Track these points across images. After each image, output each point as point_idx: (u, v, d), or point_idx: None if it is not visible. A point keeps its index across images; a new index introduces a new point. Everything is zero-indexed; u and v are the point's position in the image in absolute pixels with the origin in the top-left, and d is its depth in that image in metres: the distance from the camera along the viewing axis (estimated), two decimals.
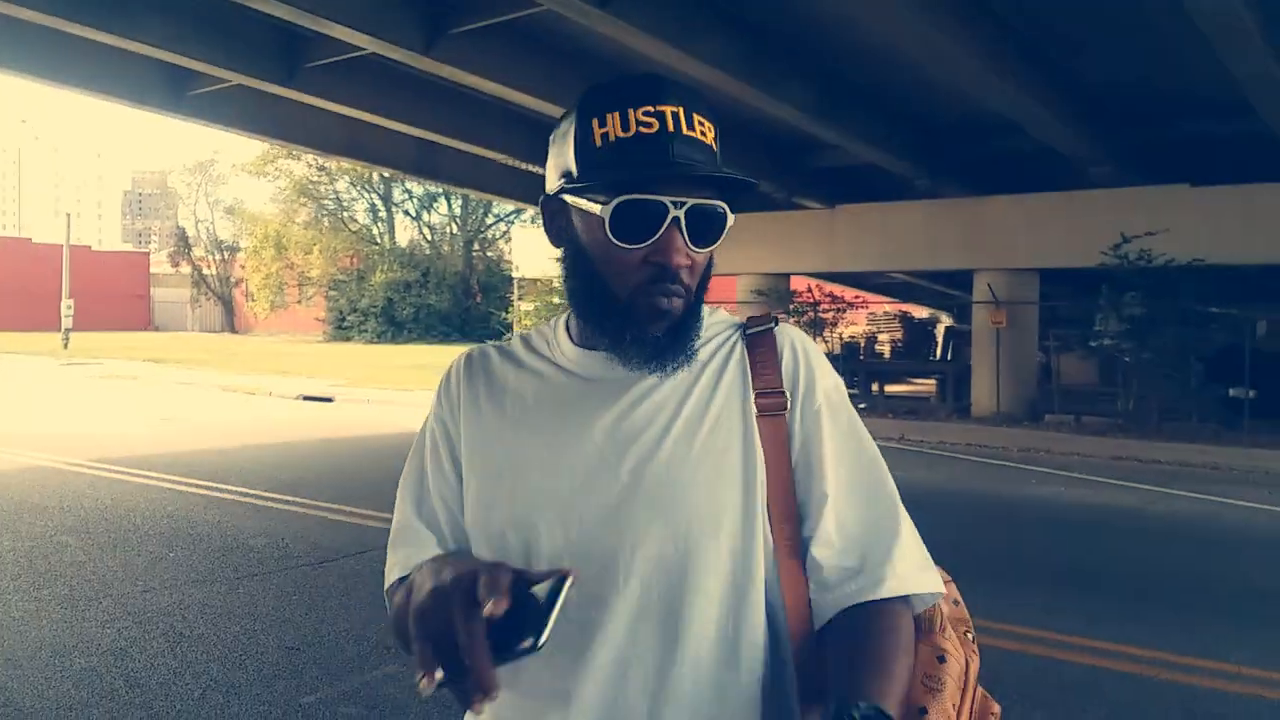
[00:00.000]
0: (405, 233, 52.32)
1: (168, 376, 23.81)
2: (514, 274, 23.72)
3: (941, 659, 1.08)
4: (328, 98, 13.54)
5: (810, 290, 20.54)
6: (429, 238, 50.80)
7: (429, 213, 50.96)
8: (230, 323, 60.89)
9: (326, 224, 48.66)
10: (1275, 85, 11.42)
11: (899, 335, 27.23)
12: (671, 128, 1.04)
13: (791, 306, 19.89)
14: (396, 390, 20.38)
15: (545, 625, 0.81)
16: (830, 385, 1.15)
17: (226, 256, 62.24)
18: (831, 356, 20.70)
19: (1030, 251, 17.12)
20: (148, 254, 71.13)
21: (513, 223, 49.34)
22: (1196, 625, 5.45)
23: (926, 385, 24.08)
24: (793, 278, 20.75)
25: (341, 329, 46.89)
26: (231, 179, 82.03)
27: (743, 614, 1.07)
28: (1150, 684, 4.54)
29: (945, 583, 1.17)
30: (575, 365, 1.14)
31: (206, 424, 14.52)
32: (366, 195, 50.16)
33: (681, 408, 1.10)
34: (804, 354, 1.16)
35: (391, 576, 1.14)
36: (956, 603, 1.19)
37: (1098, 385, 18.77)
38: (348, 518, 7.74)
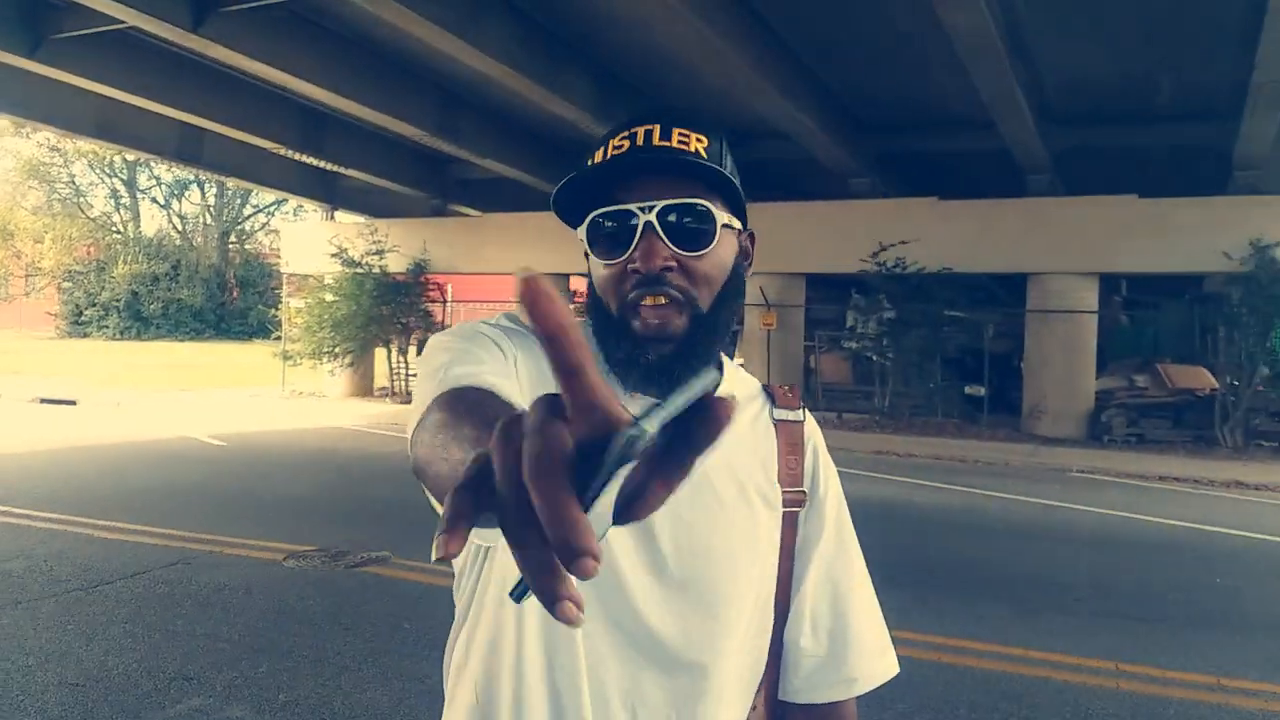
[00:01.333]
0: (153, 222, 48.65)
1: None
2: (283, 269, 22.54)
3: None
4: (80, 73, 12.42)
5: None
6: (180, 228, 47.48)
7: (180, 201, 47.65)
8: None
9: (60, 210, 44.50)
10: (1017, 106, 12.58)
11: None
12: (641, 142, 1.03)
13: (572, 307, 19.93)
14: (149, 391, 18.95)
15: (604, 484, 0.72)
16: (838, 488, 1.20)
17: None
18: None
19: (799, 257, 18.01)
20: None
21: (273, 214, 46.99)
22: (972, 609, 5.91)
23: None
24: (572, 278, 20.87)
25: (78, 324, 43.08)
26: None
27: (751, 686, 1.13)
28: (941, 667, 4.89)
29: None
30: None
31: None
32: (107, 180, 46.31)
33: (723, 480, 1.09)
34: (823, 454, 1.19)
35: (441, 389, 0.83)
36: None
37: (852, 384, 20.05)
38: (118, 535, 7.11)
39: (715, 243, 1.05)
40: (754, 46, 11.41)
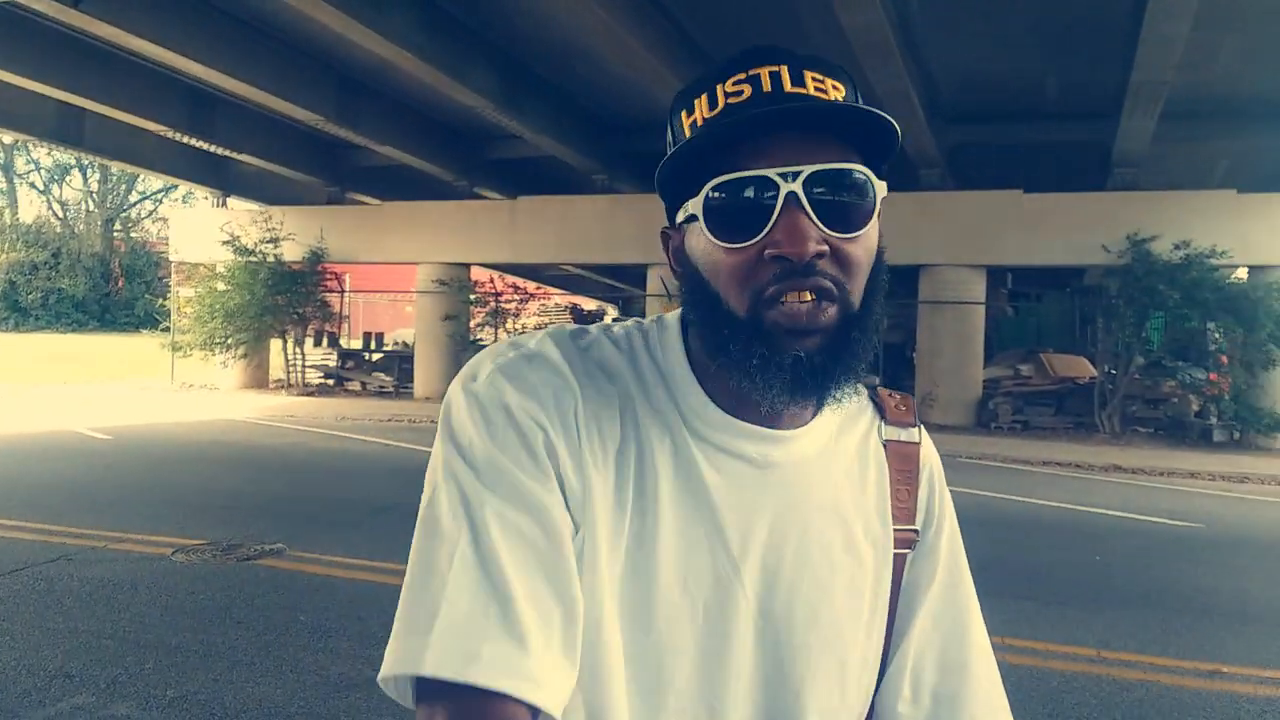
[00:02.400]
0: (31, 208, 46.48)
1: None
2: (172, 257, 21.79)
3: None
4: (17, 73, 11.81)
5: (493, 281, 20.60)
6: (60, 215, 45.47)
7: (60, 187, 45.62)
8: None
9: None
10: (910, 103, 12.93)
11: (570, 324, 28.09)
12: (769, 87, 0.80)
13: (473, 297, 19.85)
14: (28, 385, 18.14)
15: None
16: (951, 516, 1.00)
17: None
18: None
19: None
20: None
21: (161, 201, 45.37)
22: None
23: None
24: (473, 268, 20.70)
25: None
26: None
27: None
28: None
29: None
30: (709, 428, 0.86)
31: None
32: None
33: (831, 519, 0.90)
34: (940, 483, 0.99)
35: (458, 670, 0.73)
36: None
37: None
38: None
39: (873, 221, 0.83)
40: (658, 37, 11.49)
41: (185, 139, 16.01)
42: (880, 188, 0.83)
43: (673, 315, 0.92)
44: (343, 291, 21.12)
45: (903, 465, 0.95)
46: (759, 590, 0.86)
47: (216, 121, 15.94)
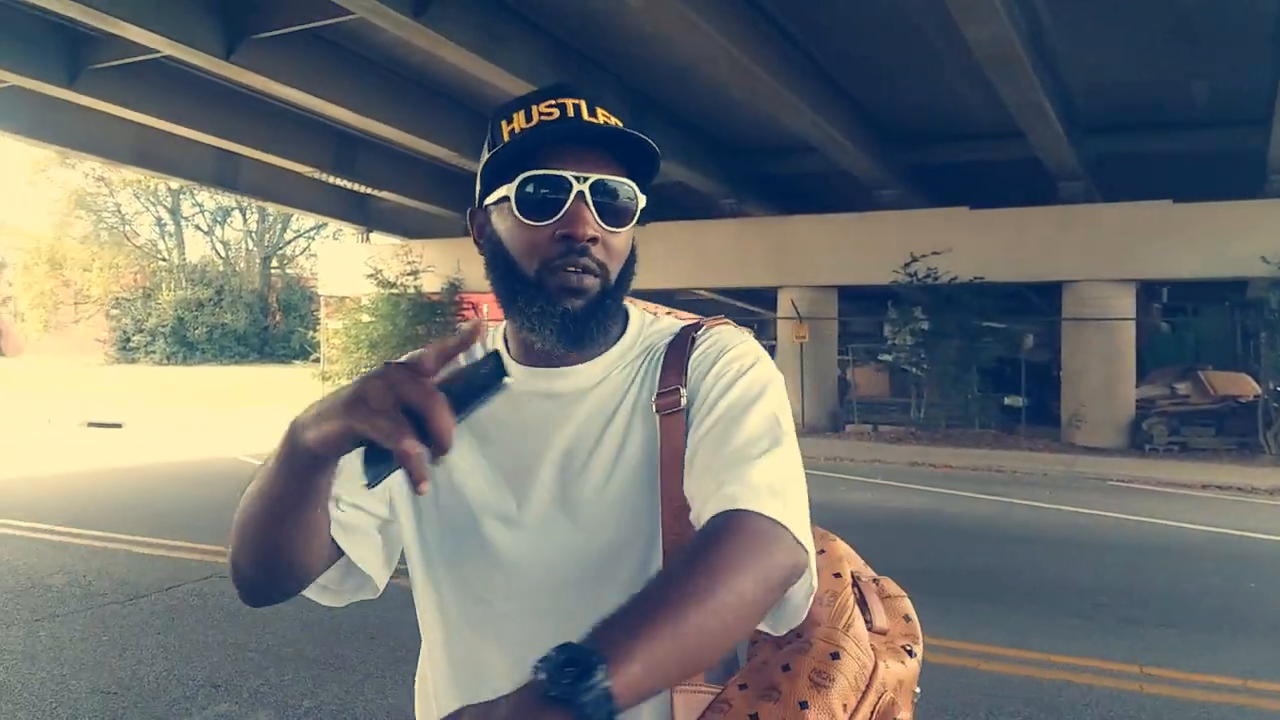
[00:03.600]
0: (196, 249, 49.51)
1: None
2: (321, 291, 22.87)
3: (835, 655, 1.00)
4: (117, 102, 12.74)
5: None
6: (223, 254, 48.32)
7: (222, 228, 48.49)
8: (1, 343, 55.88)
9: (107, 239, 45.47)
10: (1045, 115, 12.51)
11: None
12: (572, 114, 1.06)
13: None
14: (193, 414, 19.28)
15: (503, 371, 0.86)
16: (738, 371, 1.07)
17: None
18: None
19: (830, 269, 18.00)
20: None
21: (313, 238, 47.66)
22: (997, 616, 5.87)
23: None
24: None
25: (126, 350, 43.87)
26: None
27: None
28: (962, 671, 4.87)
29: (896, 598, 1.16)
30: (511, 380, 1.09)
31: None
32: (152, 209, 47.23)
33: (609, 423, 1.10)
34: (714, 345, 1.11)
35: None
36: (908, 618, 1.13)
37: (890, 396, 19.95)
38: (156, 550, 7.26)
39: (633, 223, 1.10)
40: (780, 62, 11.45)
41: (330, 179, 16.84)
42: (641, 199, 1.10)
43: (500, 325, 1.20)
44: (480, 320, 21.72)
45: (677, 349, 1.12)
46: (556, 480, 1.09)
47: (358, 161, 16.71)
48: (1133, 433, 15.92)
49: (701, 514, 0.96)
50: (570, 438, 1.10)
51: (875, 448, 15.63)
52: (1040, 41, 11.26)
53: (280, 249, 48.64)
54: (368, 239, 22.45)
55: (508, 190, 1.06)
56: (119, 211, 46.68)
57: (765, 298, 22.61)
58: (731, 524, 0.91)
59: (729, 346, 1.12)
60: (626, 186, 1.08)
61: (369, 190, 18.00)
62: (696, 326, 1.17)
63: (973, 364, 16.96)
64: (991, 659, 5.00)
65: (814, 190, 17.93)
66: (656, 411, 1.09)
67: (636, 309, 1.21)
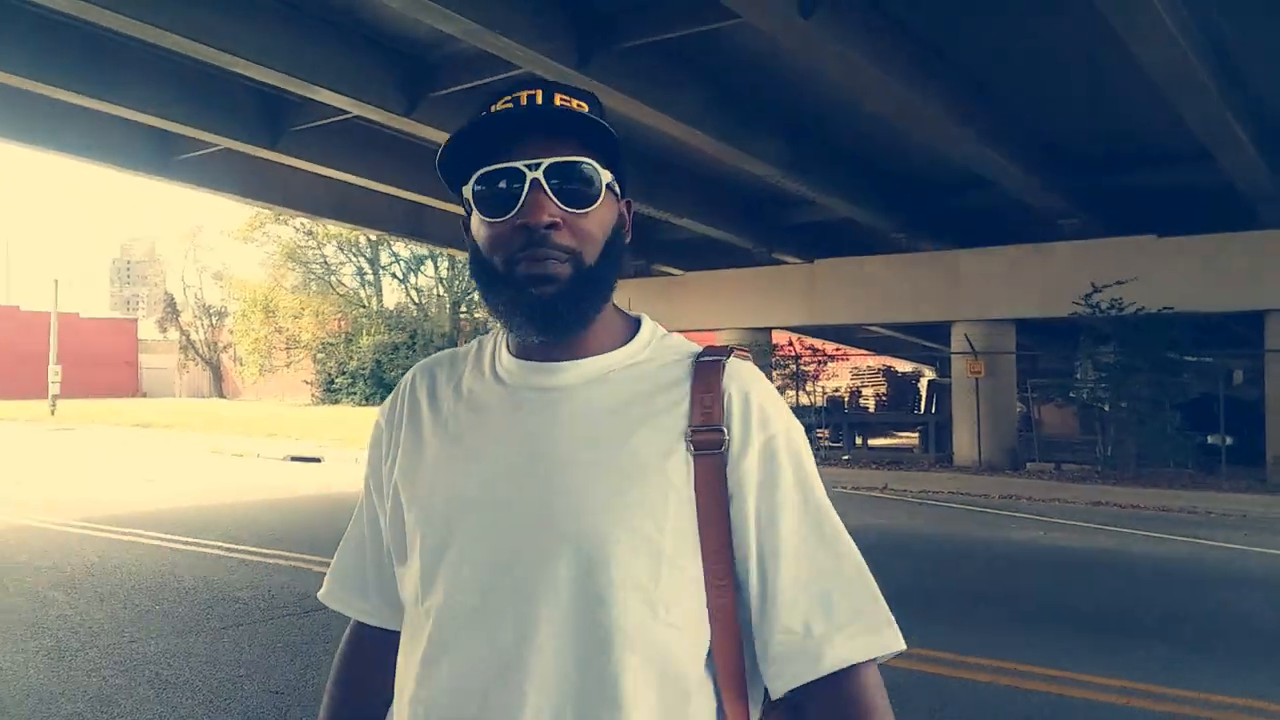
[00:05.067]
0: (392, 295, 52.57)
1: (155, 440, 23.82)
2: None
3: None
4: (313, 160, 13.86)
5: (791, 344, 20.79)
6: (416, 300, 51.08)
7: (416, 275, 51.30)
8: (218, 388, 60.72)
9: (315, 288, 48.93)
10: (1234, 139, 11.80)
11: (882, 389, 27.51)
12: (525, 103, 1.06)
13: (773, 360, 20.13)
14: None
15: None
16: (782, 431, 1.09)
17: (214, 322, 62.32)
18: (815, 410, 20.92)
19: (1005, 303, 17.43)
20: (135, 320, 71.16)
21: None
22: (1180, 660, 5.57)
23: (910, 438, 24.28)
24: (774, 332, 21.01)
25: (330, 391, 46.88)
26: (220, 245, 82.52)
27: (644, 643, 1.01)
28: (1130, 713, 4.66)
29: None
30: (508, 373, 1.13)
31: (192, 484, 14.55)
32: (354, 259, 50.52)
33: (605, 425, 1.06)
34: (755, 393, 1.09)
35: (325, 596, 1.30)
36: None
37: (1078, 434, 19.01)
38: None
39: (600, 201, 1.07)
40: (946, 94, 11.29)
41: None
42: (604, 175, 1.08)
43: None
44: None
45: (704, 379, 1.09)
46: (532, 483, 1.05)
47: None
48: None
49: (823, 656, 1.03)
50: (560, 439, 1.06)
51: (1056, 487, 14.94)
52: (1226, 60, 10.66)
53: (469, 294, 50.92)
54: None
55: (467, 191, 1.09)
56: (325, 262, 50.14)
57: (937, 332, 22.07)
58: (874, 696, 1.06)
59: (778, 405, 1.12)
60: (586, 165, 1.06)
61: None
62: (724, 352, 1.12)
63: (1165, 400, 15.99)
64: (1170, 700, 4.77)
65: (987, 222, 17.45)
66: (694, 449, 1.05)
67: (648, 319, 1.18)
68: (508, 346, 1.15)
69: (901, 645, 1.06)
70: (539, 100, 1.06)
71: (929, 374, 30.80)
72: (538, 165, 1.04)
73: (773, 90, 12.53)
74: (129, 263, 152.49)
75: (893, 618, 1.07)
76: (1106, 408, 17.03)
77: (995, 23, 10.41)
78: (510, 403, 1.11)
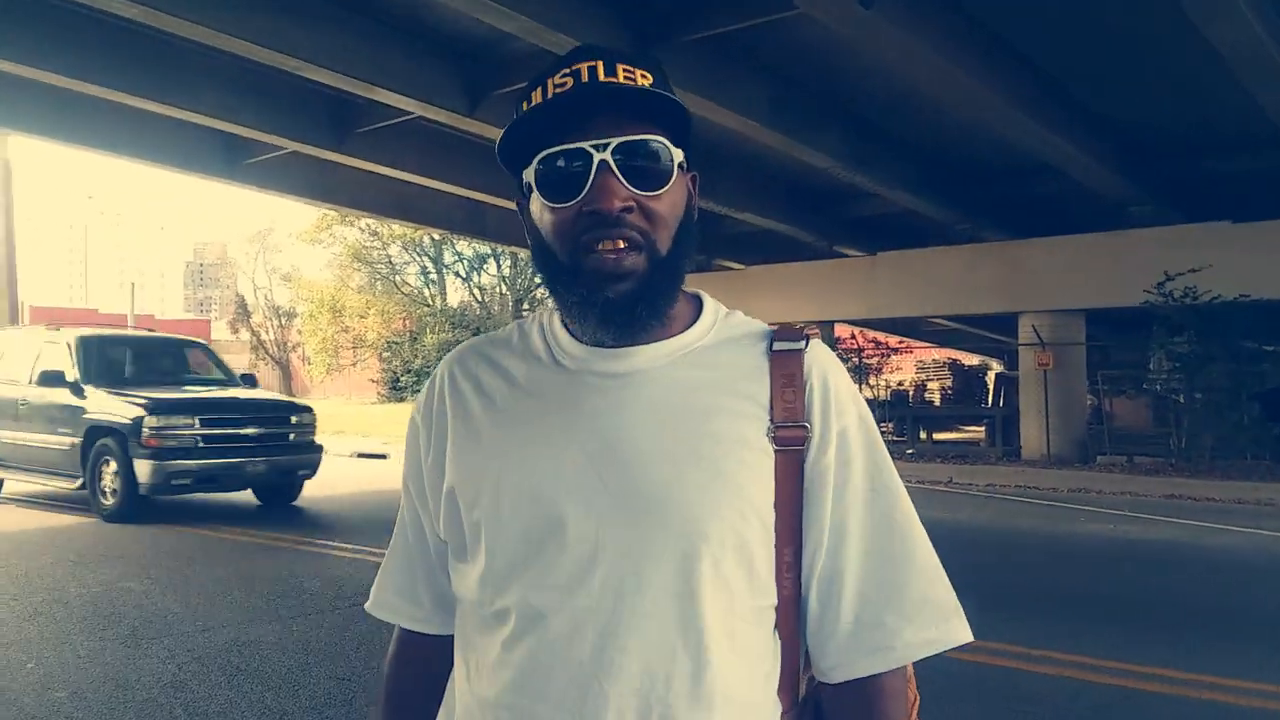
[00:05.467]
0: (456, 294, 53.12)
1: None
2: None
3: None
4: (377, 161, 14.08)
5: (854, 337, 20.60)
6: (479, 298, 51.59)
7: (479, 274, 51.78)
8: (288, 386, 61.93)
9: (380, 288, 49.68)
10: None
11: (948, 382, 27.14)
12: (586, 79, 0.98)
13: (837, 353, 19.95)
14: None
15: None
16: (855, 419, 1.06)
17: (284, 322, 63.61)
18: (878, 404, 20.70)
19: (1073, 293, 17.08)
20: (208, 322, 73.06)
21: None
22: (1253, 651, 5.43)
23: (976, 432, 23.90)
24: (836, 325, 20.84)
25: (396, 389, 47.58)
26: (288, 247, 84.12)
27: (731, 634, 0.99)
28: (1203, 706, 4.55)
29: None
30: (569, 358, 1.05)
31: None
32: (418, 259, 51.17)
33: (681, 414, 1.01)
34: (834, 383, 1.06)
35: (372, 607, 1.23)
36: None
37: (1151, 426, 18.56)
38: None
39: (672, 181, 1.01)
40: (1011, 82, 11.08)
41: None
42: (676, 154, 1.01)
43: None
44: None
45: (788, 367, 1.04)
46: (613, 473, 0.99)
47: None
48: None
49: (894, 648, 1.02)
50: (636, 426, 1.00)
51: (1128, 479, 14.60)
52: None
53: (531, 292, 51.30)
54: None
55: (529, 175, 1.02)
56: (390, 262, 50.85)
57: (1003, 323, 21.71)
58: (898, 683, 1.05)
59: (853, 391, 1.09)
60: (657, 143, 1.00)
61: None
62: (799, 337, 1.08)
63: (1243, 390, 15.54)
64: (1243, 693, 4.65)
65: (1053, 211, 17.09)
66: (777, 444, 1.01)
67: (708, 297, 1.12)
68: (565, 328, 1.07)
69: (969, 636, 1.05)
70: (600, 73, 0.98)
71: (996, 367, 30.31)
72: (605, 145, 0.97)
73: (832, 82, 12.41)
74: (202, 265, 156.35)
75: (961, 608, 1.05)
76: (1181, 399, 16.59)
77: (1060, 7, 10.19)
78: (578, 389, 1.03)
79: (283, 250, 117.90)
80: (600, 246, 0.97)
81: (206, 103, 11.75)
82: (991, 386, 26.51)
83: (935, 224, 17.64)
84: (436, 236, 43.92)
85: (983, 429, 23.10)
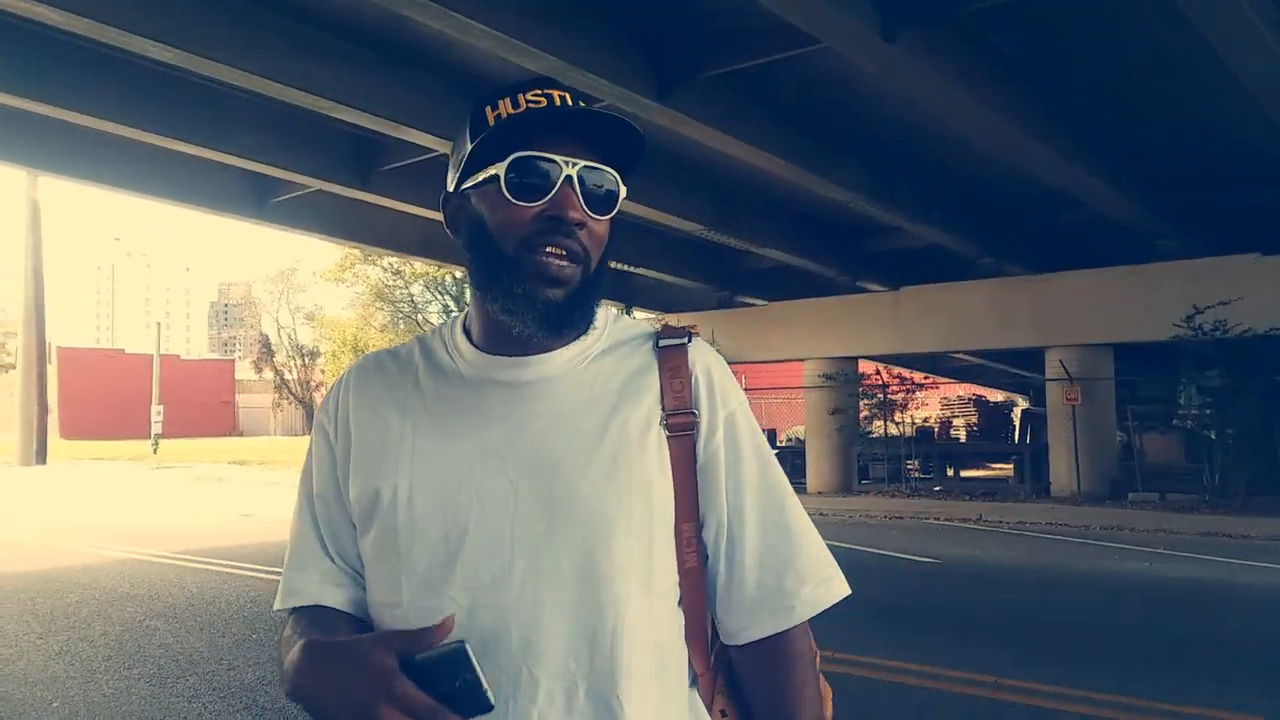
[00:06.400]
0: None
1: (252, 478, 24.47)
2: None
3: None
4: (402, 199, 14.16)
5: (879, 373, 20.46)
6: None
7: None
8: (311, 425, 62.33)
9: (403, 326, 49.96)
10: None
11: (974, 419, 26.86)
12: (559, 103, 1.11)
13: (860, 389, 19.83)
14: None
15: (483, 686, 0.93)
16: (737, 407, 1.18)
17: (307, 361, 64.08)
18: (904, 440, 20.51)
19: (1101, 327, 16.92)
20: (233, 361, 73.57)
21: None
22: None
23: (1004, 469, 23.63)
24: (860, 361, 20.72)
25: None
26: (311, 286, 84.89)
27: (642, 614, 1.09)
28: None
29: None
30: (472, 368, 1.16)
31: (286, 519, 14.85)
32: (440, 297, 51.47)
33: (583, 415, 1.12)
34: (716, 374, 1.18)
35: (283, 603, 1.19)
36: None
37: (1183, 462, 18.27)
38: None
39: (615, 211, 1.14)
40: (1032, 113, 11.02)
41: None
42: (622, 190, 1.14)
43: (463, 313, 1.23)
44: None
45: (673, 362, 1.17)
46: (522, 474, 1.08)
47: (614, 239, 17.53)
48: None
49: (795, 607, 1.15)
50: (541, 430, 1.10)
51: (1161, 517, 14.36)
52: None
53: None
54: (630, 313, 23.37)
55: (497, 169, 1.09)
56: (412, 301, 51.18)
57: (1028, 359, 21.52)
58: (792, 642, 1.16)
59: (734, 382, 1.21)
60: (610, 175, 1.12)
61: (625, 267, 18.83)
62: (683, 334, 1.20)
63: (1276, 425, 15.30)
64: None
65: (1079, 244, 16.96)
66: (669, 431, 1.13)
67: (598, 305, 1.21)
68: (469, 338, 1.18)
69: (849, 589, 1.18)
70: (569, 102, 1.11)
71: (1022, 403, 30.02)
72: (575, 163, 1.09)
73: (854, 116, 12.40)
74: (226, 305, 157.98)
75: (839, 566, 1.18)
76: (1213, 435, 16.33)
77: (1082, 41, 10.15)
78: (485, 398, 1.13)
79: (306, 290, 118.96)
80: (549, 249, 1.08)
81: (236, 142, 11.86)
82: (1018, 423, 26.24)
83: (959, 258, 17.55)
84: (459, 275, 44.16)
85: (1010, 466, 22.81)
